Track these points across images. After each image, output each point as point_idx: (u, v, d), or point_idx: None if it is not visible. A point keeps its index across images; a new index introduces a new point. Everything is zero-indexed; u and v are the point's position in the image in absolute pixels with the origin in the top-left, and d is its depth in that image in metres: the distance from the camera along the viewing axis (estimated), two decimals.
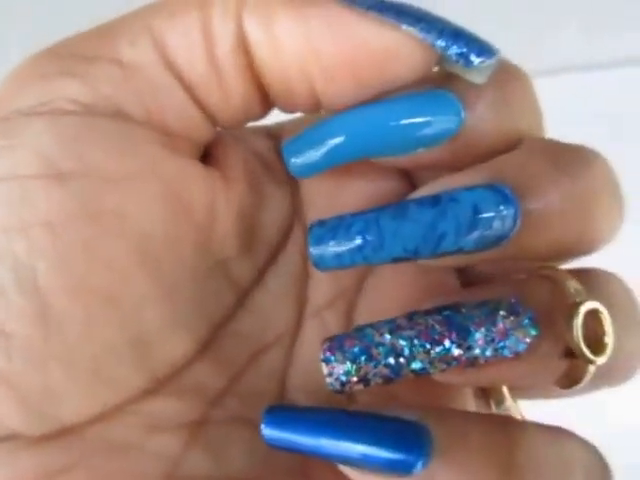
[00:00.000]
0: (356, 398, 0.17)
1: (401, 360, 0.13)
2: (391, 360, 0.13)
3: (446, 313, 0.13)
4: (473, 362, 0.13)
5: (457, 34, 0.14)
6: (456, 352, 0.13)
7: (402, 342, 0.13)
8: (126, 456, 0.14)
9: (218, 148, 0.17)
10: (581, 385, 0.14)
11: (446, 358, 0.13)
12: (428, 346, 0.13)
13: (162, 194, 0.14)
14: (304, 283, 0.18)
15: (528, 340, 0.13)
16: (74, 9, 0.31)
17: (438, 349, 0.13)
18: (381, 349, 0.13)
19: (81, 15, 0.20)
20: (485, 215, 0.13)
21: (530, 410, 0.18)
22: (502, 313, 0.13)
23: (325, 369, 0.14)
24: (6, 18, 0.39)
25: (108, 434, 0.14)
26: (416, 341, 0.13)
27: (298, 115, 0.17)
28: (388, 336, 0.13)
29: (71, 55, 0.14)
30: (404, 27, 0.14)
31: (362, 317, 0.17)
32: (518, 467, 0.13)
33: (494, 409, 0.17)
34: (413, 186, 0.18)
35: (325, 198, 0.18)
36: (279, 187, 0.17)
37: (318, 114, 0.16)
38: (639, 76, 0.42)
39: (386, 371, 0.13)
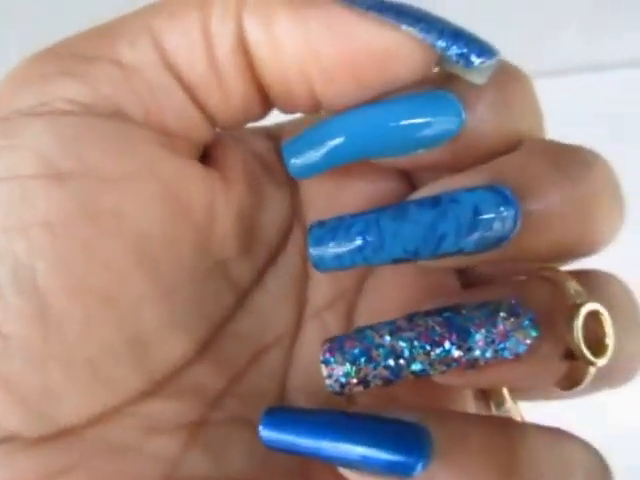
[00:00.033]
0: (356, 400, 0.17)
1: (401, 362, 0.13)
2: (391, 362, 0.13)
3: (446, 314, 0.13)
4: (473, 364, 0.13)
5: (457, 34, 0.14)
6: (456, 353, 0.13)
7: (402, 343, 0.13)
8: (125, 457, 0.14)
9: (217, 149, 0.17)
10: (581, 387, 0.14)
11: (446, 360, 0.13)
12: (428, 347, 0.13)
13: (160, 194, 0.14)
14: (304, 284, 0.18)
15: (528, 341, 0.13)
16: (74, 9, 0.31)
17: (438, 350, 0.13)
18: (381, 350, 0.13)
19: (81, 15, 0.20)
20: (485, 216, 0.13)
21: (530, 411, 0.18)
22: (502, 314, 0.13)
23: (324, 370, 0.14)
24: (6, 18, 0.39)
25: (107, 435, 0.14)
26: (416, 342, 0.13)
27: (298, 116, 0.17)
28: (388, 337, 0.13)
29: (71, 55, 0.14)
30: (404, 27, 0.14)
31: (362, 318, 0.17)
32: (518, 469, 0.13)
33: (494, 410, 0.17)
34: (413, 187, 0.18)
35: (325, 199, 0.18)
36: (279, 188, 0.17)
37: (318, 115, 0.16)
38: (639, 77, 0.42)
39: (386, 373, 0.13)
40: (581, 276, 0.14)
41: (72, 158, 0.14)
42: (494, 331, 0.13)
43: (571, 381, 0.14)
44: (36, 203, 0.13)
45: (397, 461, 0.12)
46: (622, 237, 0.16)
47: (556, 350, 0.14)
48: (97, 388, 0.14)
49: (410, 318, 0.14)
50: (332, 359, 0.14)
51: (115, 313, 0.14)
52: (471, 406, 0.17)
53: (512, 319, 0.13)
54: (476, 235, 0.13)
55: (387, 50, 0.14)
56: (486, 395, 0.18)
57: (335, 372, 0.13)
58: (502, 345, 0.13)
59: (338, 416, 0.13)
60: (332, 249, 0.14)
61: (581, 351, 0.13)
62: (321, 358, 0.14)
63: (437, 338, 0.13)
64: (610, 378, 0.15)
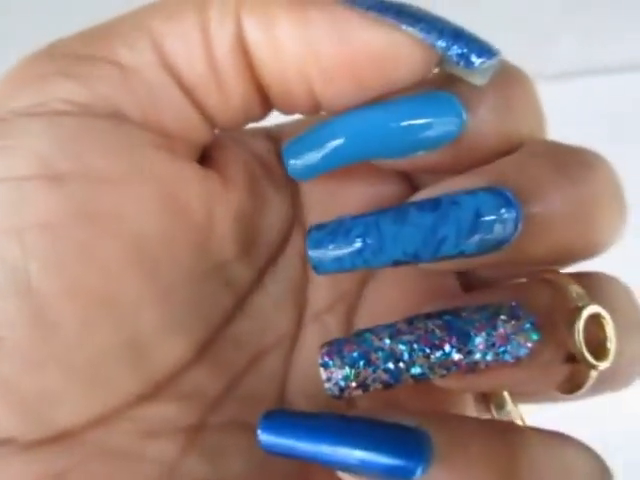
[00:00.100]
0: (356, 403, 0.17)
1: (400, 365, 0.13)
2: (390, 365, 0.13)
3: (446, 317, 0.13)
4: (473, 367, 0.13)
5: (457, 34, 0.14)
6: (456, 357, 0.13)
7: (401, 347, 0.13)
8: (123, 461, 0.14)
9: (217, 150, 0.17)
10: (583, 390, 0.14)
11: (446, 363, 0.13)
12: (428, 351, 0.13)
13: (159, 195, 0.14)
14: (304, 287, 0.18)
15: (529, 345, 0.13)
16: (74, 9, 0.31)
17: (438, 354, 0.13)
18: (380, 354, 0.13)
19: (81, 15, 0.20)
20: (486, 219, 0.13)
21: (530, 413, 0.17)
22: (503, 317, 0.13)
23: (323, 374, 0.13)
24: (6, 18, 0.39)
25: (104, 439, 0.14)
26: (416, 346, 0.13)
27: (298, 117, 0.17)
28: (387, 341, 0.13)
29: (68, 55, 0.14)
30: (404, 27, 0.14)
31: (362, 321, 0.17)
32: (519, 473, 0.13)
33: (495, 413, 0.17)
34: (413, 189, 0.18)
35: (325, 201, 0.18)
36: (278, 190, 0.17)
37: (318, 116, 0.16)
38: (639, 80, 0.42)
39: (385, 376, 0.13)
40: (582, 279, 0.14)
41: (70, 159, 0.13)
42: (494, 334, 0.13)
43: (572, 385, 0.14)
44: (34, 204, 0.13)
45: (397, 465, 0.12)
46: (624, 239, 0.15)
47: (557, 353, 0.14)
48: (95, 390, 0.14)
49: (410, 321, 0.14)
50: (331, 362, 0.13)
51: (113, 315, 0.14)
52: (471, 409, 0.17)
53: (513, 322, 0.13)
54: (477, 238, 0.13)
55: (387, 50, 0.14)
56: (487, 398, 0.18)
57: (334, 376, 0.13)
58: (503, 348, 0.13)
59: (337, 420, 0.13)
60: (332, 252, 0.14)
61: (582, 354, 0.13)
62: (320, 361, 0.14)
63: (437, 341, 0.13)
64: (612, 381, 0.15)
